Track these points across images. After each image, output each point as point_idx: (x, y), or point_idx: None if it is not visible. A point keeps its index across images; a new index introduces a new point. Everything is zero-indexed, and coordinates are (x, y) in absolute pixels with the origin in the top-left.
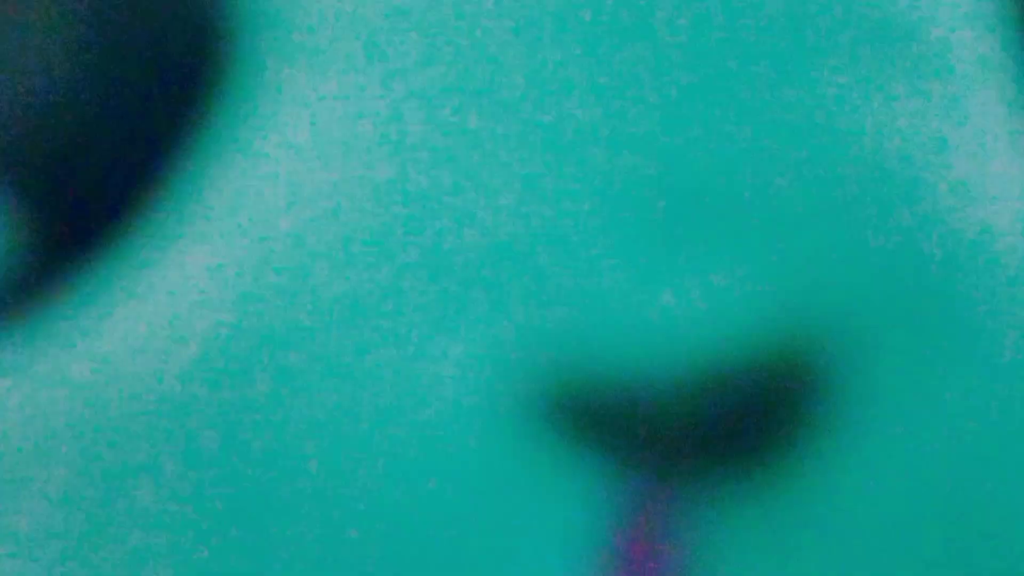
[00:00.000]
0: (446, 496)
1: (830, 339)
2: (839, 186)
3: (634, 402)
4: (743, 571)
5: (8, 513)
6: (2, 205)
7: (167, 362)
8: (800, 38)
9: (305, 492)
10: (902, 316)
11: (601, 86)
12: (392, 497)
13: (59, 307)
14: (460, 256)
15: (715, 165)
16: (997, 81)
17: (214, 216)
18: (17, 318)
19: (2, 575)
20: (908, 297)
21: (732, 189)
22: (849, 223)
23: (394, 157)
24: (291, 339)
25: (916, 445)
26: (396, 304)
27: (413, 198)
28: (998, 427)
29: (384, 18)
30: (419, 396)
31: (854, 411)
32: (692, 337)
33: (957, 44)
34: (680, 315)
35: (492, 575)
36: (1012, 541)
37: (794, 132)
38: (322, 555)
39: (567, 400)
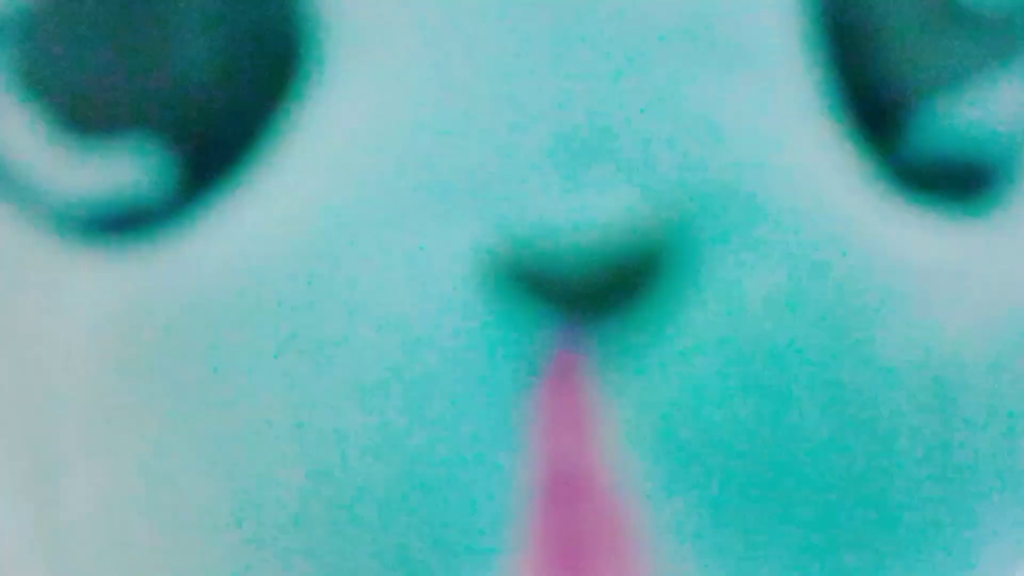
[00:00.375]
0: (423, 333)
1: (677, 234)
2: (675, 140)
3: (556, 271)
4: (624, 381)
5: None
6: (155, 149)
7: (262, 260)
8: (647, 31)
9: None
10: (721, 226)
11: (549, 67)
12: (390, 333)
13: (182, 223)
14: (445, 181)
15: (605, 125)
16: (798, 67)
17: (295, 165)
18: (155, 231)
19: (143, 449)
20: (724, 216)
21: (616, 141)
22: (682, 164)
23: (417, 120)
24: (345, 240)
25: (730, 298)
26: (404, 212)
27: (427, 151)
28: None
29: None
30: (418, 272)
31: (692, 279)
32: (593, 230)
33: (763, 37)
34: (587, 214)
35: (450, 399)
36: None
37: (648, 104)
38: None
39: (513, 271)
